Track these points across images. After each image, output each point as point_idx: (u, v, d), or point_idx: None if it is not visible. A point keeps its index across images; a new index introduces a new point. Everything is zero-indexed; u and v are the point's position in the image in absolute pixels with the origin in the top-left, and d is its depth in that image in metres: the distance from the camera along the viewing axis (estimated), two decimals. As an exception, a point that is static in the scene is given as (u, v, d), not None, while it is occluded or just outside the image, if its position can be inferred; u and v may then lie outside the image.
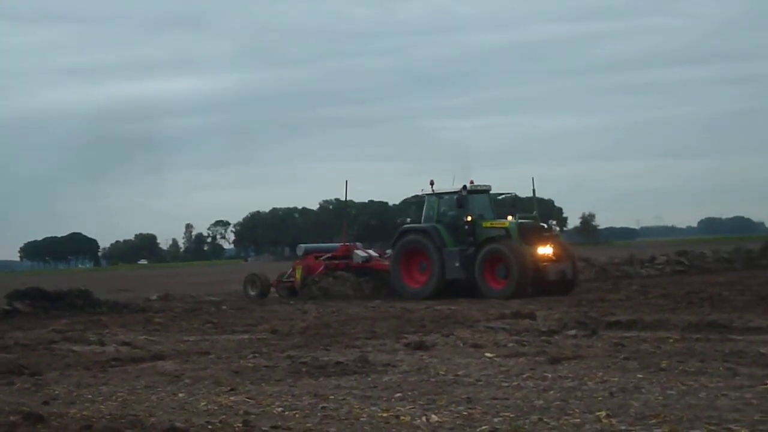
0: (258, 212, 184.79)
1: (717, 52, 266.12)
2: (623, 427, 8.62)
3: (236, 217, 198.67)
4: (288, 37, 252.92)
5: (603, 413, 9.18)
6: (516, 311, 20.46)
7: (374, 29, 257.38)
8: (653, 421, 8.84)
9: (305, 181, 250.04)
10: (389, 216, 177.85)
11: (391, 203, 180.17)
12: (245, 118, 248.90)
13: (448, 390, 10.96)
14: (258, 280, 33.45)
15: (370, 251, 33.54)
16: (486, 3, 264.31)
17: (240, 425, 9.32)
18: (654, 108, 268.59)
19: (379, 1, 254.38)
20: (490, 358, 13.70)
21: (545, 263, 28.31)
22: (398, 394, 10.79)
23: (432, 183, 30.59)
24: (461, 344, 15.52)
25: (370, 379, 12.10)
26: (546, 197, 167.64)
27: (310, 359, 14.01)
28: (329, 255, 32.69)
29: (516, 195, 30.59)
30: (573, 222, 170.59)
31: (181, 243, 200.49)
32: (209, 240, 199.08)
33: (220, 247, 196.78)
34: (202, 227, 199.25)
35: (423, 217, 30.71)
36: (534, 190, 30.36)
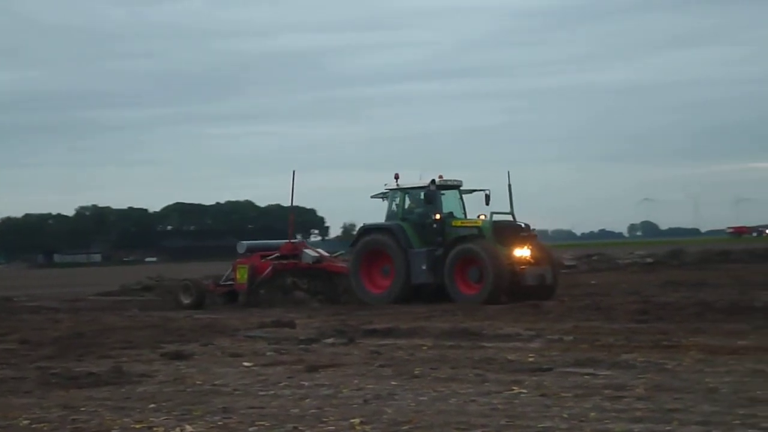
0: (9, 218, 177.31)
1: (470, 67, 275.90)
2: (377, 434, 8.79)
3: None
4: (42, 37, 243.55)
5: (357, 420, 9.34)
6: (276, 320, 20.50)
7: (132, 31, 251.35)
8: (405, 427, 9.06)
9: (61, 186, 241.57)
10: (149, 223, 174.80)
11: (150, 210, 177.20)
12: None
13: (205, 400, 10.86)
14: (192, 286, 28.99)
15: (320, 250, 30.31)
16: (247, 9, 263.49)
17: (-17, 440, 8.92)
18: (415, 120, 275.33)
19: (135, 2, 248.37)
20: (248, 367, 13.67)
21: (523, 266, 25.46)
22: (153, 405, 10.59)
23: (396, 177, 27.42)
24: (220, 353, 15.41)
25: (124, 390, 11.82)
26: (308, 207, 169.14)
27: (61, 370, 13.54)
28: (277, 254, 29.02)
29: (489, 191, 27.05)
30: (335, 231, 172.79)
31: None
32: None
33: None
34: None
35: (386, 215, 27.53)
36: (510, 185, 26.91)
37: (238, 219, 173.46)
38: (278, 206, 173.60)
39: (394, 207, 27.36)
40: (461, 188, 27.66)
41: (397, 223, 26.82)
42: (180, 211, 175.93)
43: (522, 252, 25.69)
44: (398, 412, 9.78)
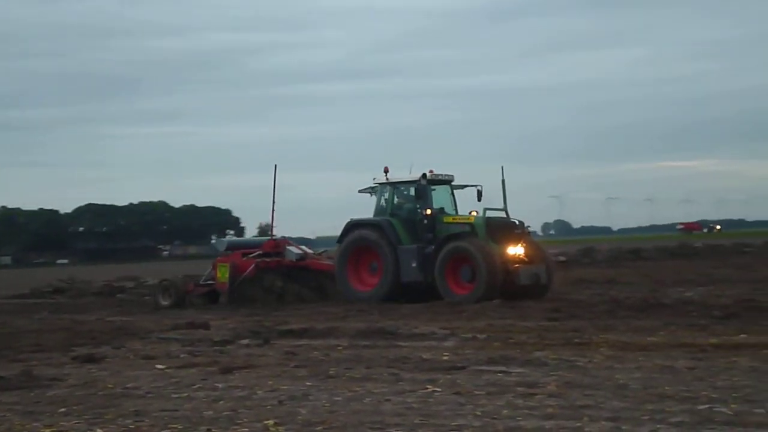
0: None
1: (373, 68, 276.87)
2: (291, 435, 8.77)
3: None
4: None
5: (271, 422, 9.31)
6: (190, 321, 20.32)
7: (36, 30, 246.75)
8: (320, 427, 9.06)
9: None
10: (60, 224, 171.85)
11: (62, 211, 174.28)
12: None
13: (117, 403, 10.72)
14: (172, 286, 27.84)
15: (304, 247, 29.04)
16: (152, 8, 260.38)
17: None
18: (321, 121, 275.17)
19: (47, 1, 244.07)
20: (161, 369, 13.53)
21: (516, 265, 24.42)
22: (63, 409, 10.42)
23: (386, 170, 26.24)
24: (132, 356, 15.23)
25: (33, 394, 11.61)
26: (223, 207, 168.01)
27: (-32, 375, 13.25)
28: (259, 252, 27.80)
29: (481, 187, 25.87)
30: (250, 232, 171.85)
31: None
32: None
33: None
34: None
35: (375, 210, 26.33)
36: (503, 181, 25.66)
37: (152, 220, 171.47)
38: (192, 207, 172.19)
39: (382, 202, 26.32)
40: (452, 183, 26.64)
41: (385, 218, 25.79)
42: (92, 212, 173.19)
43: (516, 250, 24.74)
44: (313, 412, 9.77)
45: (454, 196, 26.63)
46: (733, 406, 9.36)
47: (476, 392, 10.61)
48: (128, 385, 12.01)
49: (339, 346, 15.61)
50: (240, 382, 11.91)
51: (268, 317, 21.76)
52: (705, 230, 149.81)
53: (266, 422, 9.30)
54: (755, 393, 9.99)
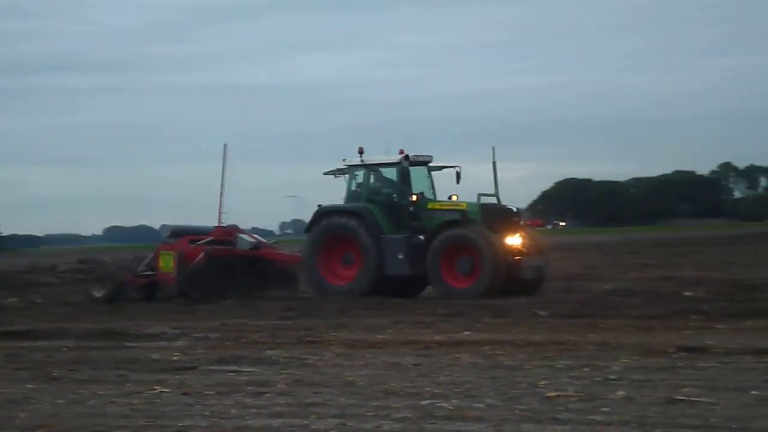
0: None
1: (105, 61, 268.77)
2: (8, 440, 8.41)
3: None
4: None
5: (-13, 427, 8.90)
6: None
7: None
8: (40, 431, 8.73)
9: None
10: None
11: None
12: None
13: None
14: (107, 276, 25.59)
15: (257, 236, 26.75)
16: None
17: None
18: (50, 114, 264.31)
19: None
20: None
21: (518, 257, 22.45)
22: None
23: (361, 151, 23.43)
24: None
25: None
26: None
27: None
28: (209, 239, 25.35)
29: (460, 168, 23.82)
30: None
31: None
32: None
33: None
34: None
35: (347, 196, 23.79)
36: (494, 163, 23.68)
37: None
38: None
39: (354, 186, 23.76)
40: (430, 164, 24.31)
41: (364, 205, 23.29)
42: None
43: (515, 240, 22.78)
44: (33, 416, 9.42)
45: (432, 178, 24.33)
46: (453, 401, 9.71)
47: (205, 392, 10.52)
48: None
49: (64, 347, 15.13)
50: (-46, 387, 11.32)
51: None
52: (549, 227, 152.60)
53: (-19, 428, 8.88)
54: (475, 388, 10.40)
